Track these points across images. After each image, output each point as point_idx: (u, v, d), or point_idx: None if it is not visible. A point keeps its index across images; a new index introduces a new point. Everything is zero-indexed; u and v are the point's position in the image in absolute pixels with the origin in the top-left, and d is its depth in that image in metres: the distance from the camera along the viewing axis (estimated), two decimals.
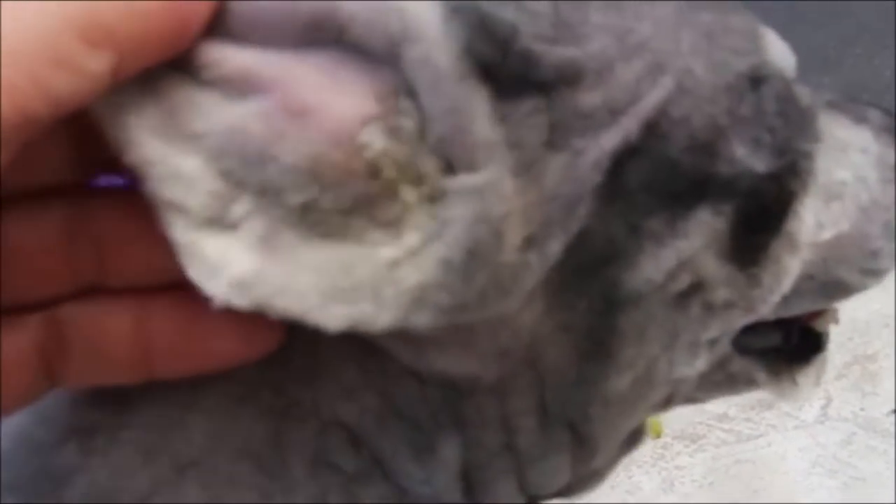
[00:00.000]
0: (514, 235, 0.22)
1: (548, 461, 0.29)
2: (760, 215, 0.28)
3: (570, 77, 0.23)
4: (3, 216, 0.22)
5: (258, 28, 0.21)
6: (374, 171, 0.21)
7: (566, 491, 0.31)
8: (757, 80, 0.27)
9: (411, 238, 0.21)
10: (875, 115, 0.36)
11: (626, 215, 0.25)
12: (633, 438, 0.32)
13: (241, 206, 0.21)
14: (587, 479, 0.31)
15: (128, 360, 0.24)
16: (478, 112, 0.21)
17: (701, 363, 0.30)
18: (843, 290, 0.34)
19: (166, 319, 0.24)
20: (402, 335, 0.22)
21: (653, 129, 0.24)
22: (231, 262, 0.21)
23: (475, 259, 0.21)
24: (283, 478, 0.26)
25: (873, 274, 0.35)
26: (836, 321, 0.38)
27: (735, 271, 0.28)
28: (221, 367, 0.25)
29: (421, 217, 0.21)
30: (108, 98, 0.20)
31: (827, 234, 0.32)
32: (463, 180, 0.21)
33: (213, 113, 0.21)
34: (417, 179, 0.21)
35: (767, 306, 0.30)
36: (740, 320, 0.30)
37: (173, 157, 0.21)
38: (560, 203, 0.23)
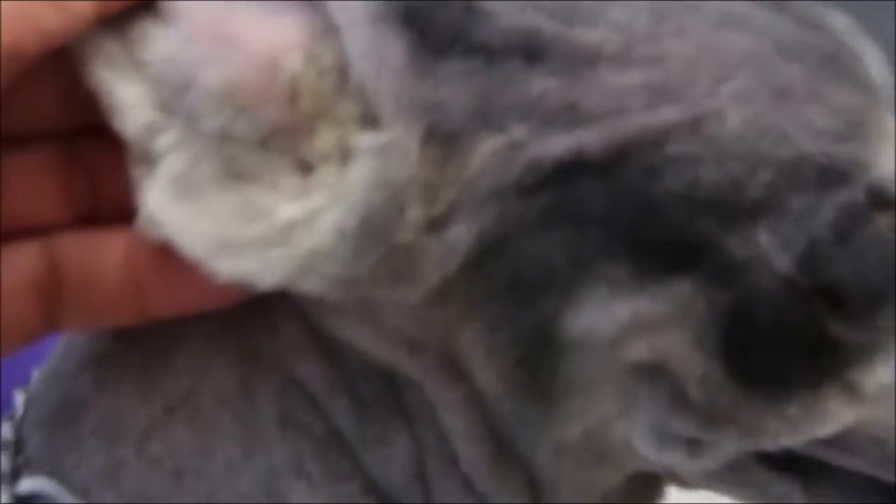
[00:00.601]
0: (414, 211, 0.21)
1: (502, 499, 0.25)
2: (788, 337, 0.21)
3: (524, 49, 0.21)
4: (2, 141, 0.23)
5: None
6: (292, 97, 0.21)
7: None
8: (830, 175, 0.21)
9: (318, 198, 0.21)
10: None
11: (570, 244, 0.21)
12: (640, 493, 0.27)
13: (165, 139, 0.22)
14: None
15: (121, 294, 0.24)
16: (391, 59, 0.20)
17: (677, 457, 0.23)
18: None
19: (155, 254, 0.23)
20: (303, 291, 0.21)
21: (631, 156, 0.21)
22: (148, 196, 0.22)
23: (369, 230, 0.20)
24: (258, 432, 0.25)
25: None
26: None
27: (728, 378, 0.22)
28: (197, 310, 0.24)
29: (331, 175, 0.21)
30: None
31: None
32: (369, 139, 0.20)
33: (159, 42, 0.22)
34: (335, 121, 0.21)
35: (786, 443, 0.23)
36: (737, 442, 0.23)
37: (119, 86, 0.22)
38: (475, 191, 0.21)
